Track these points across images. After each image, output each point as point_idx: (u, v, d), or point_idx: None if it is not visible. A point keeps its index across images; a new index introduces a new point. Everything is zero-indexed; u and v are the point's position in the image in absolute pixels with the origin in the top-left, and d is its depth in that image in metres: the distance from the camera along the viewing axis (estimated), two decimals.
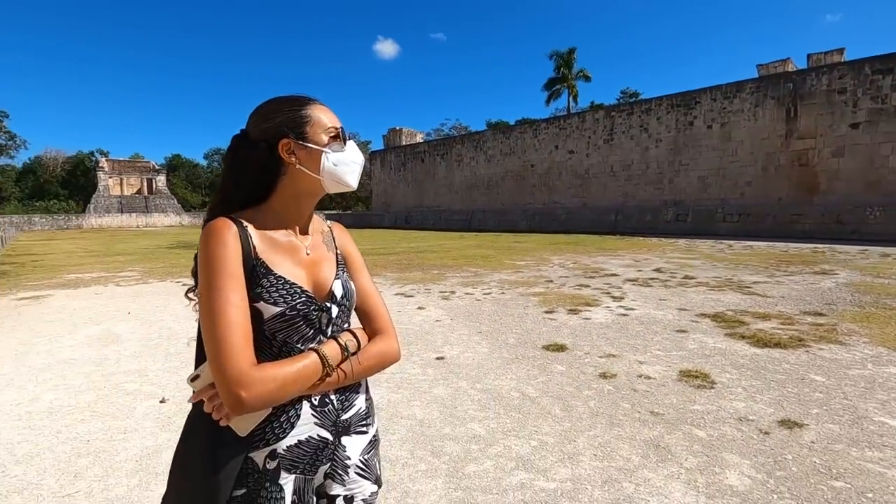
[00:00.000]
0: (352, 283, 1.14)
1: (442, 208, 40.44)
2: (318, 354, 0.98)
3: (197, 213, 65.43)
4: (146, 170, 65.42)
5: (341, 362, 1.02)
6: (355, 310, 1.14)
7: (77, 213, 57.86)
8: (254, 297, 0.97)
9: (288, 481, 1.01)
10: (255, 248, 1.02)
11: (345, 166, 1.08)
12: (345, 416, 1.09)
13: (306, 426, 1.03)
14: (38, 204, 58.33)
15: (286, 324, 1.00)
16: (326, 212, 56.30)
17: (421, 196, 42.85)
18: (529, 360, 4.79)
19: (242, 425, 0.95)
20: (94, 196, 59.17)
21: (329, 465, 1.07)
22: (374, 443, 1.18)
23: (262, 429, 0.99)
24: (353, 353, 1.05)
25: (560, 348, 5.12)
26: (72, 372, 4.68)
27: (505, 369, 4.53)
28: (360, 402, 1.14)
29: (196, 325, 1.03)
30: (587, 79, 49.56)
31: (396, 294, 8.67)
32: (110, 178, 61.22)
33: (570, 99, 49.83)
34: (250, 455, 0.99)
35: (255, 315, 0.97)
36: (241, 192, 1.06)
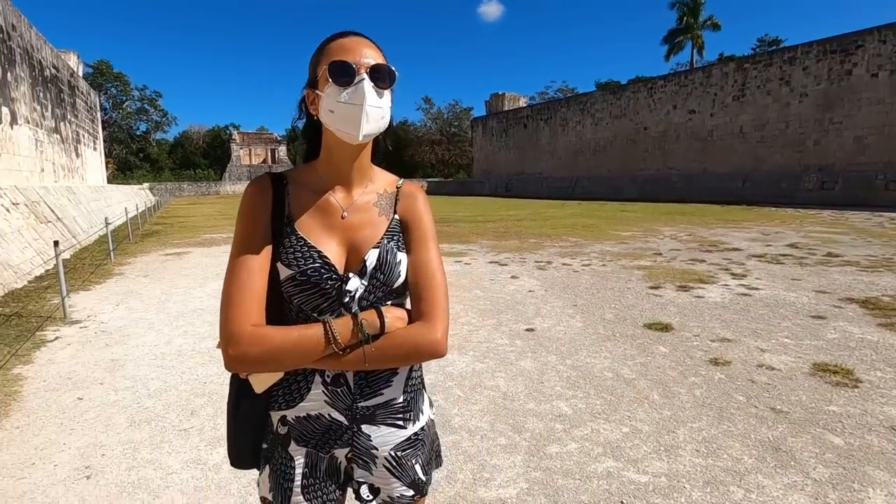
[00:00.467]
0: (400, 254, 0.96)
1: (544, 175, 39.13)
2: (326, 327, 0.88)
3: None
4: (270, 141, 71.72)
5: (355, 342, 0.89)
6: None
7: (215, 180, 65.60)
8: (275, 256, 0.93)
9: (299, 453, 0.99)
10: (289, 206, 0.97)
11: (342, 111, 0.88)
12: (364, 404, 0.98)
13: (316, 402, 0.97)
14: (185, 173, 67.05)
15: (297, 289, 0.92)
16: (428, 179, 57.38)
17: (522, 163, 41.78)
18: (628, 338, 4.43)
19: (257, 382, 0.95)
20: (228, 165, 66.53)
21: (349, 449, 1.00)
22: (415, 442, 1.03)
23: (276, 391, 0.98)
24: (372, 336, 0.89)
25: (664, 328, 4.66)
26: (199, 320, 5.28)
27: (599, 346, 4.22)
28: (391, 393, 0.99)
29: None
30: (716, 27, 43.78)
31: (490, 262, 8.55)
32: (241, 149, 68.20)
33: (695, 52, 44.54)
34: (270, 413, 1.01)
35: (276, 275, 0.93)
36: (307, 149, 1.04)
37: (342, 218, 0.97)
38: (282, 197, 0.97)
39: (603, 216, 18.18)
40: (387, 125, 0.96)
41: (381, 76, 0.90)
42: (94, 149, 27.28)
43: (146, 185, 46.78)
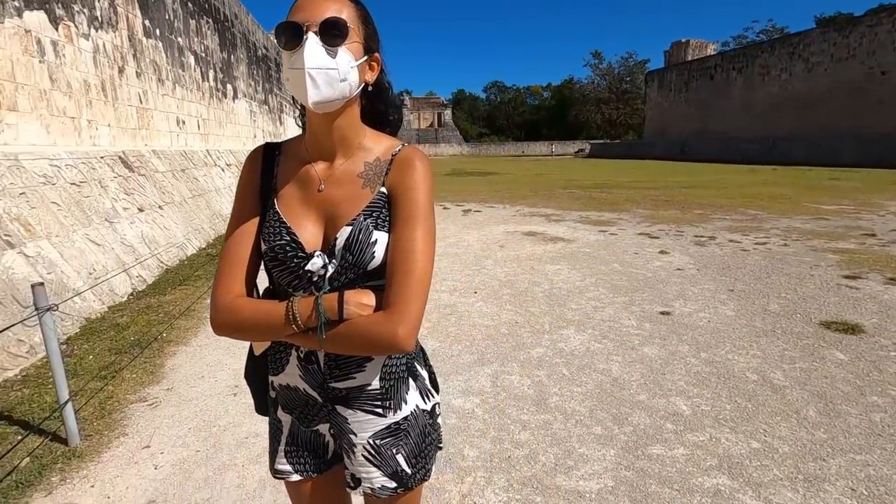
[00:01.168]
0: (377, 233, 0.87)
1: (729, 135, 33.71)
2: (288, 306, 0.85)
3: (475, 143, 72.33)
4: (436, 105, 75.10)
5: (316, 323, 0.83)
6: None
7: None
8: (260, 228, 0.93)
9: (286, 419, 1.03)
10: (276, 176, 0.96)
11: (292, 78, 0.82)
12: (336, 385, 0.94)
13: (293, 376, 0.97)
14: None
15: (271, 264, 0.91)
16: (592, 141, 53.92)
17: (705, 120, 36.54)
18: (793, 336, 3.65)
19: (255, 345, 1.01)
20: (400, 131, 72.10)
21: (329, 426, 1.00)
22: (397, 432, 0.97)
23: (268, 357, 1.01)
24: (328, 321, 0.83)
25: (850, 329, 3.72)
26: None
27: (750, 342, 3.57)
28: (364, 378, 0.94)
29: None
30: None
31: (639, 234, 7.78)
32: (411, 113, 72.87)
33: None
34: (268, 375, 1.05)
35: (260, 247, 0.93)
36: (301, 115, 1.00)
37: (319, 191, 0.91)
38: (271, 168, 0.96)
39: (802, 184, 15.07)
40: (355, 87, 0.87)
41: (330, 32, 0.81)
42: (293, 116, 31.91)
43: None
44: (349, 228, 0.87)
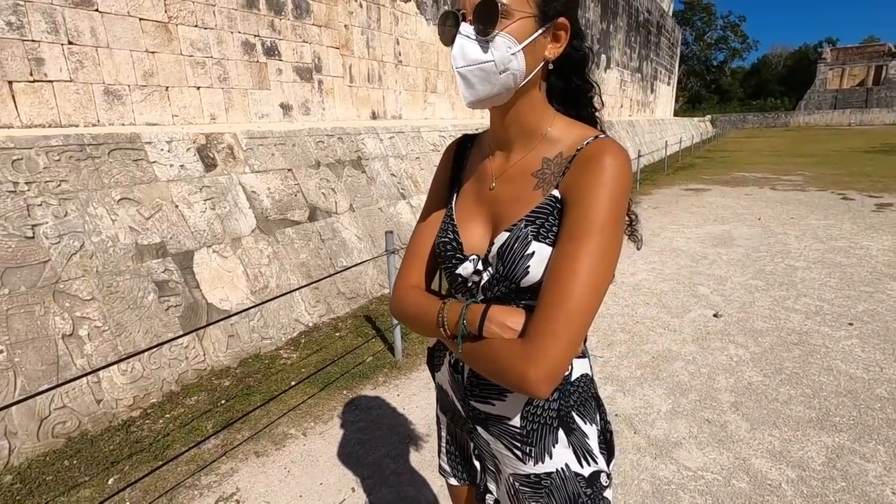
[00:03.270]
0: (536, 244, 0.70)
1: None
2: (442, 307, 0.76)
3: None
4: (875, 55, 55.07)
5: (458, 332, 0.73)
6: None
7: (787, 110, 58.08)
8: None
9: (443, 420, 1.00)
10: (464, 169, 0.89)
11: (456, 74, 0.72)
12: (476, 405, 0.84)
13: (444, 379, 0.93)
14: (755, 103, 62.77)
15: (439, 259, 0.86)
16: None
17: None
18: None
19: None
20: (807, 92, 56.95)
21: (473, 446, 0.91)
22: (537, 486, 0.81)
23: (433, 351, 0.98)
24: (467, 334, 0.72)
25: None
26: (671, 260, 5.27)
27: None
28: (504, 410, 0.80)
29: None
30: None
31: None
32: (830, 69, 56.21)
33: None
34: None
35: None
36: None
37: (490, 189, 0.79)
38: (461, 160, 0.90)
39: None
40: (523, 74, 0.68)
41: (481, 18, 0.65)
42: (668, 84, 29.86)
43: (708, 117, 47.35)
44: (506, 235, 0.74)
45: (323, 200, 4.14)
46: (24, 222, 2.48)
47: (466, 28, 0.68)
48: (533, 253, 0.71)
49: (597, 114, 0.82)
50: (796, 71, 65.65)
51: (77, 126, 4.29)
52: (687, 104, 56.82)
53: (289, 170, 3.99)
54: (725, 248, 5.65)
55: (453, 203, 0.86)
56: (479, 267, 0.78)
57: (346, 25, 6.87)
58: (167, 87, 4.96)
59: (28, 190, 2.54)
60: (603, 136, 0.73)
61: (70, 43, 4.13)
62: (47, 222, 2.56)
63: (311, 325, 3.61)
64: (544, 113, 0.77)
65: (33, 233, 2.50)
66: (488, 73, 0.69)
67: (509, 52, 0.68)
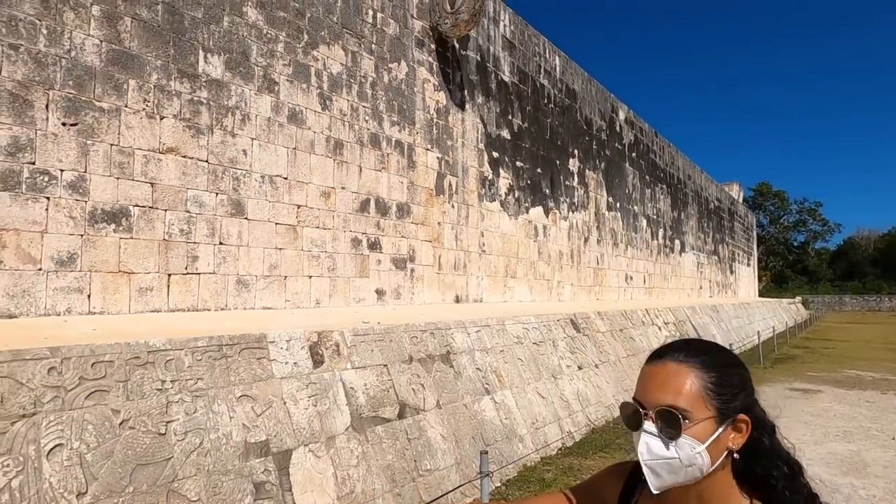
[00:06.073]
0: None
1: None
2: None
3: None
4: None
5: None
6: None
7: (889, 294, 53.71)
8: None
9: None
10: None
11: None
12: None
13: None
14: (849, 284, 59.03)
15: None
16: None
17: None
18: None
19: None
20: None
21: None
22: None
23: None
24: None
25: None
26: None
27: None
28: None
29: None
30: None
31: None
32: None
33: None
34: None
35: None
36: None
37: None
38: (631, 490, 0.93)
39: None
40: (708, 466, 0.76)
41: (664, 423, 0.75)
42: (748, 265, 29.48)
43: (798, 298, 44.76)
44: None
45: (412, 397, 4.23)
46: (161, 419, 2.75)
47: (650, 426, 0.79)
48: None
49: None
50: (890, 254, 62.39)
51: (209, 310, 4.90)
52: (772, 283, 54.50)
53: (384, 365, 4.20)
54: (860, 479, 4.84)
55: None
56: None
57: (439, 222, 7.74)
58: (286, 277, 5.66)
59: (171, 388, 2.86)
60: None
61: (221, 244, 4.98)
62: (178, 419, 2.82)
63: None
64: (731, 493, 0.81)
65: (165, 429, 2.74)
66: (674, 467, 0.77)
67: (692, 451, 0.76)
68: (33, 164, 3.73)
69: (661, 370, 0.82)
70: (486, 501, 2.82)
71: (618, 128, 13.56)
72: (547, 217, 9.98)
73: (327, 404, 3.57)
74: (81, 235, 3.95)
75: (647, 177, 15.04)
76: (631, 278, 13.63)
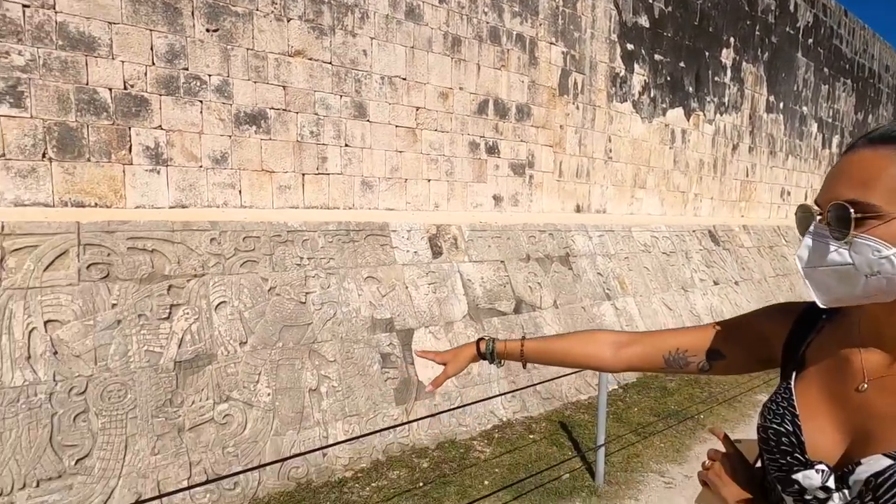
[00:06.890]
0: None
1: None
2: None
3: None
4: None
5: None
6: None
7: None
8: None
9: None
10: (808, 344, 0.74)
11: None
12: None
13: None
14: None
15: (763, 446, 0.72)
16: None
17: None
18: None
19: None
20: None
21: None
22: None
23: None
24: None
25: None
26: None
27: None
28: None
29: None
30: None
31: None
32: None
33: None
34: None
35: None
36: None
37: (857, 390, 0.62)
38: (806, 333, 0.74)
39: None
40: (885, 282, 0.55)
41: (836, 221, 0.57)
42: None
43: None
44: (886, 462, 0.56)
45: (529, 294, 4.21)
46: (301, 290, 3.08)
47: (817, 229, 0.61)
48: None
49: None
50: None
51: (338, 208, 5.27)
52: None
53: (501, 261, 4.20)
54: None
55: (792, 385, 0.72)
56: (831, 484, 0.62)
57: (561, 125, 7.23)
58: (406, 180, 5.81)
59: (308, 264, 3.17)
60: None
61: (346, 146, 5.22)
62: (315, 292, 3.14)
63: (504, 419, 3.55)
64: None
65: (305, 299, 3.08)
66: (846, 276, 0.58)
67: (875, 257, 0.56)
68: (187, 69, 4.14)
69: (849, 161, 0.61)
70: (604, 398, 2.76)
71: (791, 6, 11.04)
72: (688, 120, 8.77)
73: (445, 292, 3.70)
74: (230, 136, 4.38)
75: (826, 69, 12.27)
76: (789, 194, 11.70)
